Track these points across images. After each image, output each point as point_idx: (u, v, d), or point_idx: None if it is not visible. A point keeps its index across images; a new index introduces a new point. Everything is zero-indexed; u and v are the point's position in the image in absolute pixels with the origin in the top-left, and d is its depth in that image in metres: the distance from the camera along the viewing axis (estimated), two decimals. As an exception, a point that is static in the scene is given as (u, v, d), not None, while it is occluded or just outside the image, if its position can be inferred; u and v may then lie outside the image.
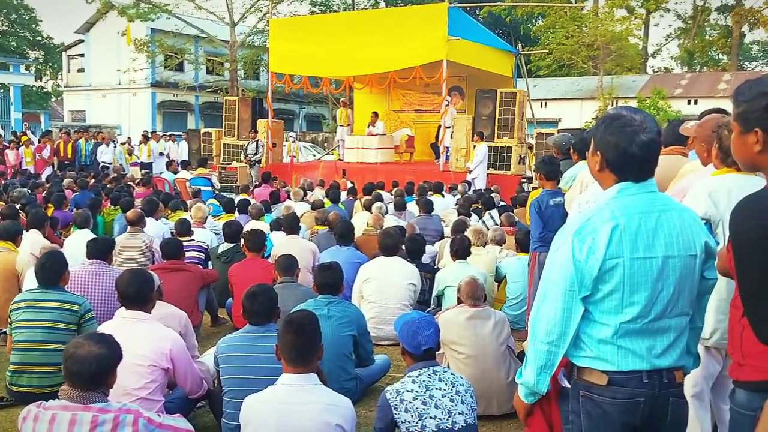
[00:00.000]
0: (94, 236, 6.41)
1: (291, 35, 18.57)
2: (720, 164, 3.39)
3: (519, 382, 2.55)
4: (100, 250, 5.93)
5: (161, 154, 21.50)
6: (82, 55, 43.27)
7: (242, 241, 7.16)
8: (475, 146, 15.65)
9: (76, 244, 7.36)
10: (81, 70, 43.63)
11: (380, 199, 11.19)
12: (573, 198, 5.06)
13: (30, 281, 5.82)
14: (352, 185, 13.85)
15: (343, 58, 17.57)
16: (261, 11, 32.65)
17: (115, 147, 22.11)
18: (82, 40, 42.97)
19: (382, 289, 6.43)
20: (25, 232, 7.20)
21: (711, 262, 2.47)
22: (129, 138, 26.00)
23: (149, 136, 23.38)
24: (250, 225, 8.89)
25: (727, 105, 3.33)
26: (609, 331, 2.35)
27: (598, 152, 2.44)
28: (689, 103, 36.96)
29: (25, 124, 28.87)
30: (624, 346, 2.35)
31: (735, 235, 2.15)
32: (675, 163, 4.21)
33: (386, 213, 10.02)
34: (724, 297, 3.05)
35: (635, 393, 2.35)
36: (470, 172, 15.34)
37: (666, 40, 52.06)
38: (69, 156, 21.15)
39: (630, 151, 2.36)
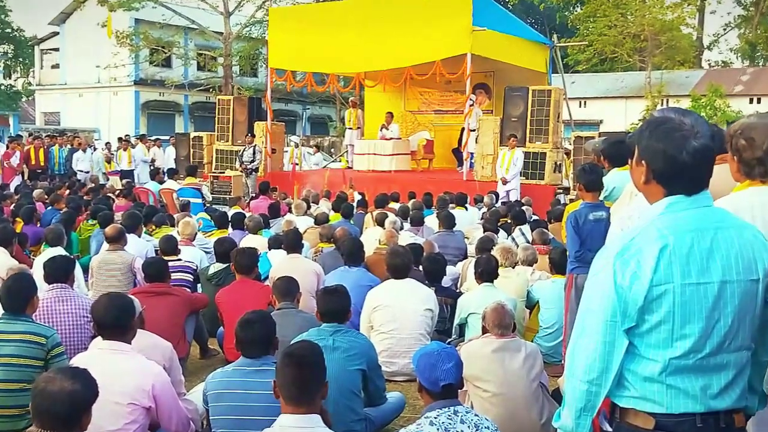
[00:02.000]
0: (53, 255, 6.34)
1: (293, 26, 18.67)
2: (742, 177, 3.28)
3: (556, 426, 2.54)
4: (60, 271, 5.82)
5: (146, 161, 21.56)
6: (56, 50, 43.76)
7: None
8: (503, 151, 15.56)
9: (47, 264, 7.39)
10: (55, 66, 44.11)
11: (406, 214, 11.15)
12: (617, 211, 5.03)
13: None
14: (361, 197, 13.87)
15: (352, 51, 17.62)
16: (259, -2, 32.96)
17: (92, 153, 22.26)
18: (57, 33, 43.47)
19: (394, 317, 6.40)
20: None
21: (777, 287, 2.44)
22: (108, 143, 26.19)
23: (131, 140, 23.52)
24: (246, 241, 8.92)
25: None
26: (657, 367, 2.33)
27: (643, 162, 2.43)
28: (751, 102, 36.88)
29: (-9, 128, 29.21)
30: (674, 385, 2.33)
31: None
32: (723, 176, 4.12)
33: (401, 229, 10.03)
34: None
35: (687, 439, 2.33)
36: (506, 182, 15.16)
37: (724, 29, 51.82)
38: (41, 164, 21.33)
39: (680, 160, 2.34)
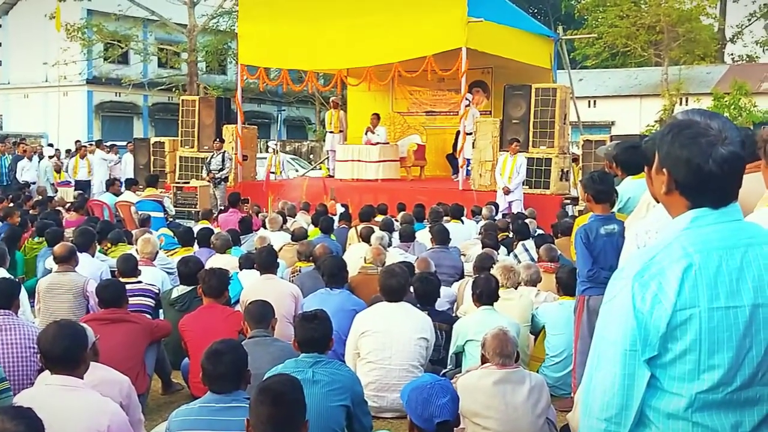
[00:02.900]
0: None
1: (267, 17, 18.66)
2: None
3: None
4: (3, 295, 5.80)
5: (113, 161, 21.49)
6: (-2, 44, 43.66)
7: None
8: (504, 157, 15.59)
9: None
10: (-3, 63, 43.99)
11: (390, 227, 11.17)
12: (632, 224, 5.04)
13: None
14: (344, 209, 13.86)
15: (333, 45, 17.66)
16: (228, -14, 33.01)
17: (39, 162, 22.19)
18: (-1, 25, 43.39)
19: (384, 345, 6.39)
20: None
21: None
22: (57, 150, 26.11)
23: (84, 146, 23.46)
24: (214, 261, 8.91)
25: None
26: (682, 402, 2.32)
27: (664, 170, 2.42)
28: (780, 100, 37.10)
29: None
30: (702, 422, 2.32)
31: None
32: (756, 186, 4.14)
33: (389, 245, 10.03)
34: None
35: (716, 484, 2.32)
36: (509, 192, 15.18)
37: (749, 20, 52.20)
38: (-20, 174, 21.27)
39: (706, 169, 2.34)
